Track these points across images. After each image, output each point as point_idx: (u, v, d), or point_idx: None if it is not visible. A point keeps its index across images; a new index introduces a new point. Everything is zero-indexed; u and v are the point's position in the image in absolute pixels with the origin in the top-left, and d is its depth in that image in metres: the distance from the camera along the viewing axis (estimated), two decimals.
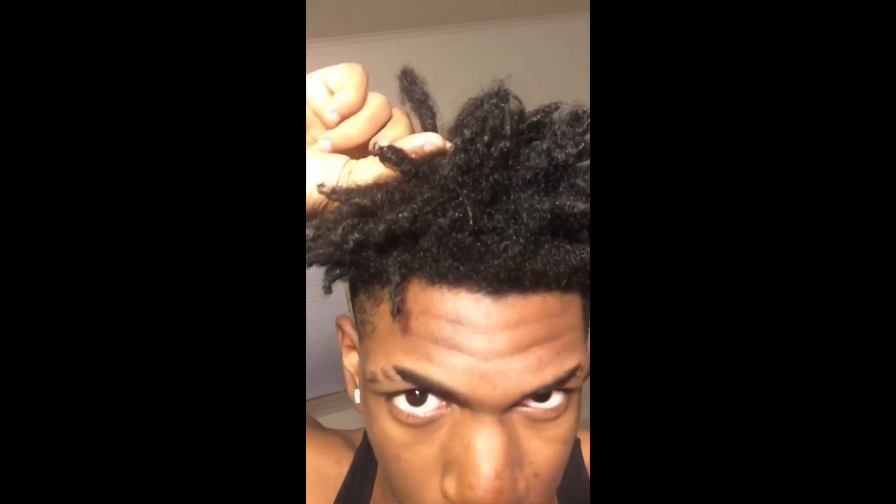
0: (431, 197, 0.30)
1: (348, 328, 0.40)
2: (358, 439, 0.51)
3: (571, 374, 0.31)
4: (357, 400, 0.39)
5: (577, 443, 0.48)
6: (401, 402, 0.32)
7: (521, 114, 0.32)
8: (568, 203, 0.29)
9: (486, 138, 0.29)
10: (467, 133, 0.30)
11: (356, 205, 0.31)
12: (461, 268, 0.29)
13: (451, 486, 0.31)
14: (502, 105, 0.31)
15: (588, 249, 0.30)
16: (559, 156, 0.30)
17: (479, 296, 0.30)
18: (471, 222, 0.29)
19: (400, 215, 0.29)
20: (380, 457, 0.35)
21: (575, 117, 0.33)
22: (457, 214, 0.29)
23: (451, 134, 0.32)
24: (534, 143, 0.31)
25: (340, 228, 0.30)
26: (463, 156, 0.30)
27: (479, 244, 0.29)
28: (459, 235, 0.29)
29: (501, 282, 0.29)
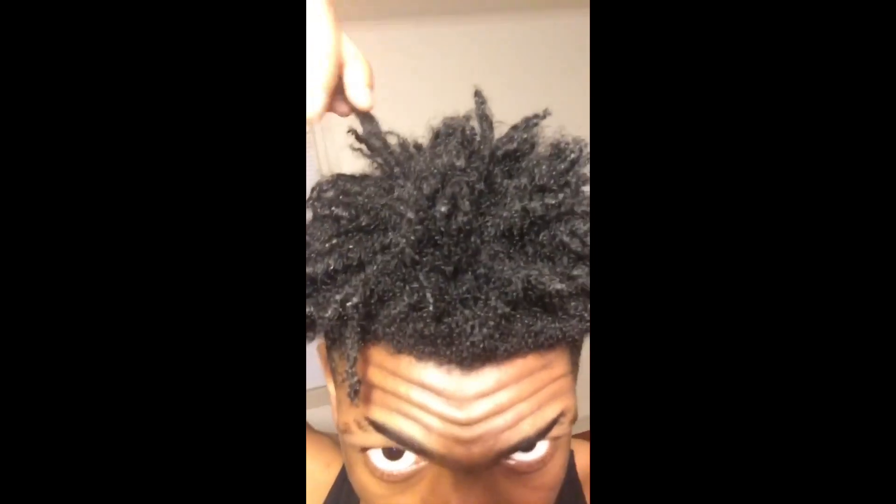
0: (386, 266, 0.27)
1: (326, 355, 0.38)
2: None
3: (553, 423, 0.30)
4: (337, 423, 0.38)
5: (569, 455, 0.46)
6: (377, 457, 0.31)
7: (491, 153, 0.29)
8: (543, 280, 0.26)
9: (443, 209, 0.27)
10: (426, 188, 0.27)
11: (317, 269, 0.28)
12: (425, 349, 0.27)
13: None
14: (466, 156, 0.28)
15: (571, 321, 0.28)
16: (536, 207, 0.27)
17: (449, 368, 0.28)
18: (430, 308, 0.26)
19: (349, 300, 0.27)
20: (361, 500, 0.34)
21: (556, 152, 0.30)
22: (415, 297, 0.27)
23: (413, 182, 0.29)
24: (507, 181, 0.29)
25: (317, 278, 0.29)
26: (419, 228, 0.27)
27: (442, 327, 0.27)
28: (419, 324, 0.27)
29: (472, 360, 0.28)
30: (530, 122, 0.31)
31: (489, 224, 0.28)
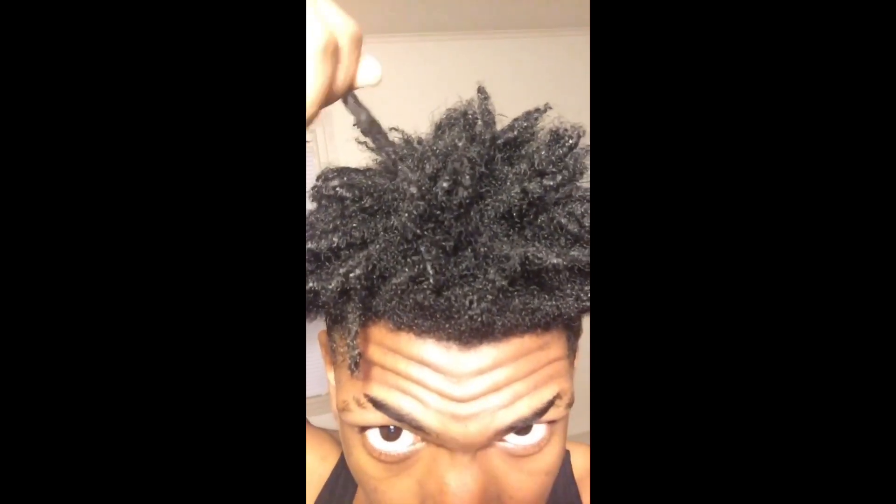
0: (388, 244, 0.28)
1: (327, 343, 0.39)
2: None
3: (550, 404, 0.30)
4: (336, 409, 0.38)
5: (566, 455, 0.47)
6: (374, 437, 0.31)
7: (493, 138, 0.30)
8: (540, 255, 0.27)
9: (444, 185, 0.27)
10: (428, 168, 0.28)
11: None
12: (424, 324, 0.28)
13: None
14: (467, 138, 0.29)
15: (567, 299, 0.29)
16: (535, 188, 0.28)
17: (447, 344, 0.29)
18: (431, 280, 0.27)
19: (352, 272, 0.27)
20: (358, 483, 0.34)
21: (555, 137, 0.31)
22: (416, 269, 0.27)
23: (415, 163, 0.29)
24: (507, 168, 0.30)
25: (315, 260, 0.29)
26: (421, 203, 0.27)
27: (441, 300, 0.27)
28: (419, 296, 0.27)
29: (470, 336, 0.28)
30: (531, 115, 0.32)
31: (489, 206, 0.28)
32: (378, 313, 0.29)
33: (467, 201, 0.28)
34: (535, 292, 0.28)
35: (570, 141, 0.30)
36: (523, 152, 0.30)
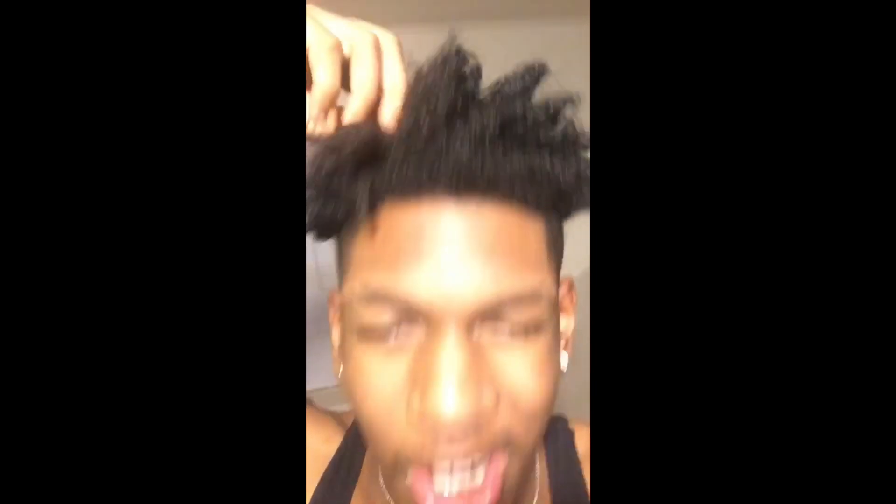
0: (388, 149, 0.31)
1: (336, 300, 0.40)
2: (349, 420, 0.51)
3: (532, 293, 0.32)
4: (339, 373, 0.39)
5: (569, 434, 0.48)
6: (370, 332, 0.33)
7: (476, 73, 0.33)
8: (514, 105, 0.31)
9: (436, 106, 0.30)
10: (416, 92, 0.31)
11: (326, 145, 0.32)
12: (423, 173, 0.30)
13: (416, 400, 0.31)
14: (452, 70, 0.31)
15: (538, 157, 0.31)
16: (508, 110, 0.31)
17: (439, 204, 0.31)
18: (424, 130, 0.30)
19: (363, 135, 0.30)
20: (356, 403, 0.35)
21: (526, 70, 0.33)
22: (413, 123, 0.30)
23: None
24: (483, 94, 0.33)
25: (314, 165, 0.31)
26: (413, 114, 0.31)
27: (434, 146, 0.30)
28: (415, 146, 0.30)
29: (458, 183, 0.30)
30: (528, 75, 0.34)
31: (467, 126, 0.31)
32: (381, 191, 0.32)
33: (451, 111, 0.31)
34: (510, 151, 0.31)
35: (537, 71, 0.33)
36: (497, 84, 0.33)
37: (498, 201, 0.32)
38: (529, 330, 0.33)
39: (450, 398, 0.30)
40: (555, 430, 0.48)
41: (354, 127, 0.32)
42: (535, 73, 0.33)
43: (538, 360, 0.33)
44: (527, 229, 0.33)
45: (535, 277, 0.32)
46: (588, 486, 0.45)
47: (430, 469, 0.32)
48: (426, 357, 0.31)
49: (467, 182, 0.31)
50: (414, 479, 0.33)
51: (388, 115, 0.32)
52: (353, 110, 0.32)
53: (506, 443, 0.33)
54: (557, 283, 0.36)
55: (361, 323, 0.33)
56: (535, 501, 0.43)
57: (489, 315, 0.32)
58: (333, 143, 0.31)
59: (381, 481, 0.41)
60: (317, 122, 0.32)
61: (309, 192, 0.33)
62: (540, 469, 0.45)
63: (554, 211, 0.35)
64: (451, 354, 0.31)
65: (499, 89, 0.32)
